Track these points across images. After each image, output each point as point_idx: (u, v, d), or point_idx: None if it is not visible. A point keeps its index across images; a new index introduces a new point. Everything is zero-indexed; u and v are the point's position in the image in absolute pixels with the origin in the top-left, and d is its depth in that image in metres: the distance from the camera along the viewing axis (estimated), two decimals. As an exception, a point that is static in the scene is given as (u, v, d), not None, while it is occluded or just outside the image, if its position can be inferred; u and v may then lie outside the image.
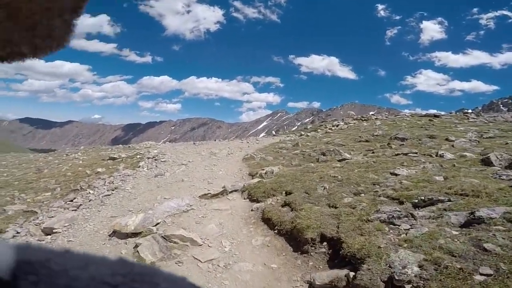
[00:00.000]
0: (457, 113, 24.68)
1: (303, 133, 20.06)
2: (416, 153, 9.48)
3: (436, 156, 8.95)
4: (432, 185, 5.82)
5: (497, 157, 7.30)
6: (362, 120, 23.19)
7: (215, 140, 19.78)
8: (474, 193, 4.93)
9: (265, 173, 8.11)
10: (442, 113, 22.55)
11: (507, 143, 10.10)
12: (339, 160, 9.20)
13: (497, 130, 13.29)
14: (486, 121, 17.91)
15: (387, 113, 30.36)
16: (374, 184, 6.50)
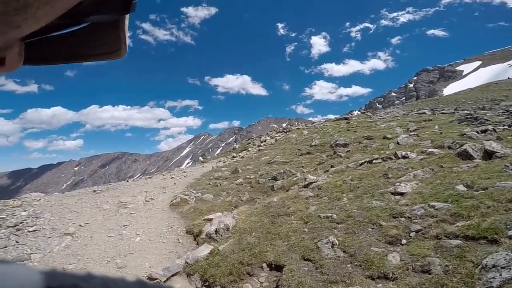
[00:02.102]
0: (362, 113, 26.48)
1: (234, 154, 17.26)
2: (377, 158, 7.88)
3: (400, 157, 7.47)
4: (479, 200, 3.82)
5: (473, 149, 6.12)
6: (286, 132, 22.20)
7: (126, 181, 14.80)
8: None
9: (215, 231, 4.77)
10: (355, 114, 23.57)
11: (441, 133, 9.72)
12: (305, 186, 6.66)
13: (410, 122, 13.53)
14: (385, 117, 19.09)
15: (297, 123, 30.86)
16: (395, 218, 4.11)
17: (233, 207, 7.00)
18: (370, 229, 4.07)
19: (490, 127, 8.33)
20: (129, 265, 4.52)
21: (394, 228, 3.98)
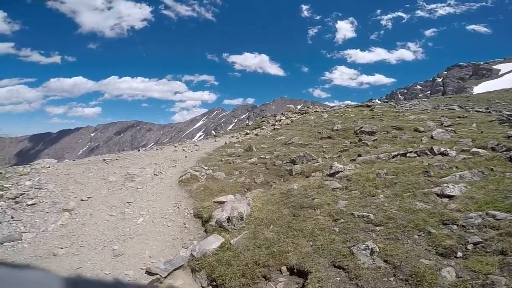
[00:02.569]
0: (384, 102, 24.82)
1: (248, 131, 16.48)
2: (411, 151, 6.94)
3: (437, 154, 6.54)
4: None
5: None
6: (303, 114, 21.07)
7: (138, 150, 14.42)
8: None
9: (227, 219, 4.12)
10: (378, 102, 22.05)
11: (482, 132, 8.62)
12: (330, 175, 5.86)
13: (443, 117, 12.26)
14: (413, 109, 17.65)
15: (313, 106, 29.35)
16: (445, 224, 3.37)
17: (246, 189, 6.36)
18: (417, 236, 3.34)
19: None
20: (126, 252, 3.97)
21: (446, 237, 3.25)
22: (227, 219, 4.12)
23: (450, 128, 9.47)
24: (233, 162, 8.35)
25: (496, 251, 2.94)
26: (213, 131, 22.27)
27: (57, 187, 6.77)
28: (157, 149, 13.43)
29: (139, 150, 14.11)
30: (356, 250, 3.10)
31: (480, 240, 3.14)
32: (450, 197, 4.05)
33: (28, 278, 0.21)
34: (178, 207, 5.39)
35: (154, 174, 7.60)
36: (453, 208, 3.78)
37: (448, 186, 4.21)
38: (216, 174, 7.13)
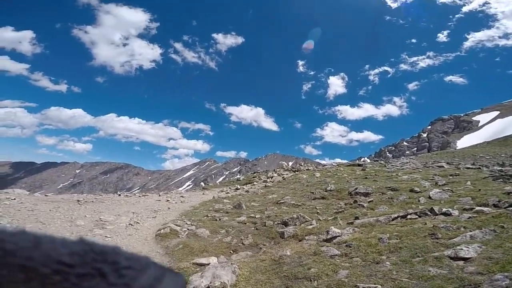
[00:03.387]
0: (375, 161, 25.11)
1: (238, 186, 15.88)
2: (411, 213, 6.50)
3: (439, 214, 6.13)
4: None
5: None
6: (295, 172, 20.88)
7: (119, 194, 13.40)
8: None
9: (207, 290, 3.35)
10: (367, 161, 22.26)
11: (479, 190, 8.37)
12: (326, 240, 5.24)
13: (436, 176, 12.17)
14: (404, 168, 17.69)
15: (304, 163, 29.46)
16: None
17: (231, 251, 5.57)
18: None
19: None
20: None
21: None
22: (206, 290, 3.35)
23: (446, 188, 9.21)
24: (219, 219, 7.62)
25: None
26: (202, 183, 21.55)
27: (11, 223, 5.84)
28: (139, 196, 12.52)
29: (119, 195, 13.13)
30: None
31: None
32: (465, 259, 3.57)
33: None
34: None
35: (129, 224, 6.75)
36: (473, 271, 3.25)
37: (462, 248, 3.72)
38: (199, 231, 6.35)
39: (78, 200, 9.61)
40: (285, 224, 6.96)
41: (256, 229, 6.83)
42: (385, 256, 4.10)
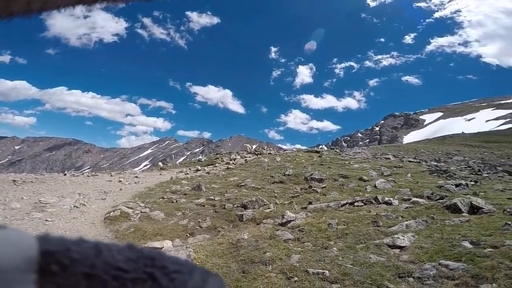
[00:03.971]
0: (331, 149, 26.58)
1: (199, 167, 15.57)
2: (359, 200, 7.05)
3: (382, 203, 6.74)
4: (496, 259, 3.13)
5: (461, 203, 5.69)
6: (257, 155, 21.17)
7: (64, 174, 12.13)
8: None
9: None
10: (324, 148, 23.46)
11: (417, 182, 9.40)
12: (281, 224, 5.43)
13: (382, 167, 13.34)
14: (356, 157, 19.12)
15: (267, 147, 30.13)
16: (401, 277, 3.22)
17: (188, 234, 5.46)
18: None
19: (463, 182, 8.34)
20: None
21: None
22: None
23: (390, 178, 10.13)
24: (176, 201, 7.39)
25: None
26: (160, 163, 20.61)
27: None
28: (88, 176, 11.53)
29: (65, 174, 11.95)
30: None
31: (441, 292, 2.96)
32: (401, 248, 4.01)
33: (2, 236, 0.22)
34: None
35: (75, 206, 6.17)
36: (406, 260, 3.67)
37: (398, 237, 4.17)
38: (153, 213, 6.08)
39: (14, 180, 8.50)
40: (245, 207, 7.04)
41: (215, 211, 6.79)
42: (333, 241, 4.40)
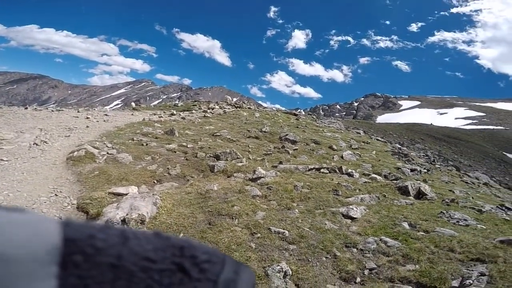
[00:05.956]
0: (309, 114, 26.90)
1: (174, 112, 14.99)
2: (325, 167, 7.32)
3: (344, 173, 7.08)
4: (424, 243, 3.59)
5: (412, 187, 6.17)
6: (237, 108, 20.77)
7: (26, 107, 10.99)
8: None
9: (123, 221, 3.18)
10: (303, 113, 23.67)
11: (379, 160, 9.91)
12: (252, 180, 5.53)
13: (352, 140, 13.85)
14: (330, 126, 19.67)
15: (248, 102, 29.71)
16: (348, 247, 3.55)
17: (155, 181, 5.41)
18: (325, 259, 3.34)
19: (418, 168, 8.92)
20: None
21: (348, 262, 3.34)
22: (121, 221, 3.19)
23: (357, 152, 10.61)
24: (146, 145, 7.15)
25: (386, 278, 3.12)
26: (133, 103, 19.49)
27: None
28: (52, 110, 10.63)
29: (26, 108, 10.90)
30: (271, 272, 2.85)
31: (375, 266, 3.31)
32: (352, 218, 4.33)
33: (23, 220, 0.20)
34: (55, 194, 4.01)
35: (34, 143, 5.72)
36: (355, 231, 4.01)
37: (352, 208, 4.47)
38: (120, 156, 5.86)
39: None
40: (217, 158, 7.03)
41: (186, 159, 6.72)
42: (296, 203, 4.60)
